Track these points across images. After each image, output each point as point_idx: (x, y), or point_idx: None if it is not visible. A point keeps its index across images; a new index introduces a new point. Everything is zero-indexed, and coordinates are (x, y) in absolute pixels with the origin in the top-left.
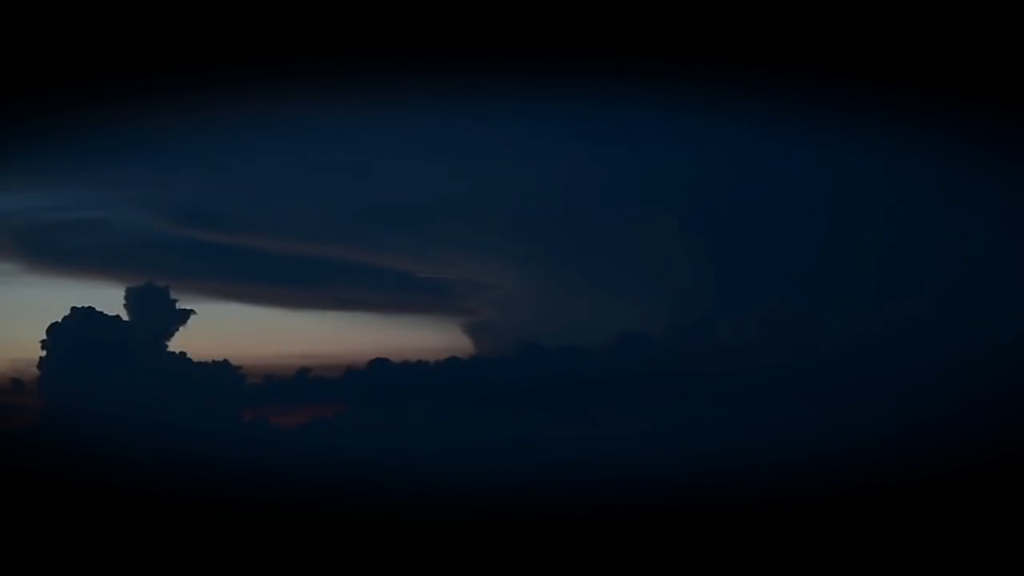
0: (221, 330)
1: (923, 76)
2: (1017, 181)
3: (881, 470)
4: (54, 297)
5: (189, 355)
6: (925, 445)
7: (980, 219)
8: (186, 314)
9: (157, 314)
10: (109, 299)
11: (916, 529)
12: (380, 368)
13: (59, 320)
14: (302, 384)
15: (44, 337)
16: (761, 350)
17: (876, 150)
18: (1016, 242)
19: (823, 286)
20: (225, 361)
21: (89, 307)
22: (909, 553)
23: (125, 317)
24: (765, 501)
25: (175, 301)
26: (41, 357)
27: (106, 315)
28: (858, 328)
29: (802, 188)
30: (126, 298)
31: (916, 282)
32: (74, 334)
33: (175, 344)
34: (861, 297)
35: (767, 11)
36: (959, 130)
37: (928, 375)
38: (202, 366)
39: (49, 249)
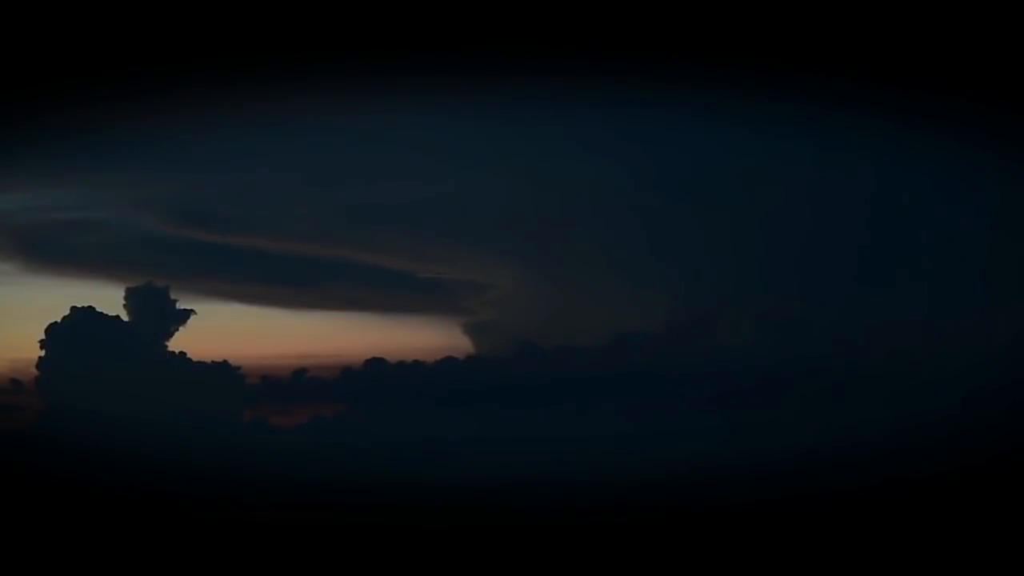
0: (220, 330)
1: (922, 76)
2: (1016, 180)
3: (879, 470)
4: (54, 297)
5: (188, 355)
6: (924, 445)
7: (980, 218)
8: (186, 314)
9: (157, 314)
10: (109, 299)
11: (915, 529)
12: (376, 368)
13: (59, 320)
14: (300, 384)
15: (43, 337)
16: (760, 350)
17: (876, 149)
18: (1016, 241)
19: (821, 286)
20: (224, 361)
21: (89, 307)
22: (908, 553)
23: (125, 317)
24: (763, 501)
25: (175, 301)
26: (40, 357)
27: (106, 315)
28: (857, 328)
29: (801, 187)
30: (126, 298)
31: (915, 281)
32: (74, 334)
33: (175, 344)
34: (860, 297)
35: (767, 11)
36: (958, 129)
37: (927, 375)
38: (201, 366)
39: (49, 249)
